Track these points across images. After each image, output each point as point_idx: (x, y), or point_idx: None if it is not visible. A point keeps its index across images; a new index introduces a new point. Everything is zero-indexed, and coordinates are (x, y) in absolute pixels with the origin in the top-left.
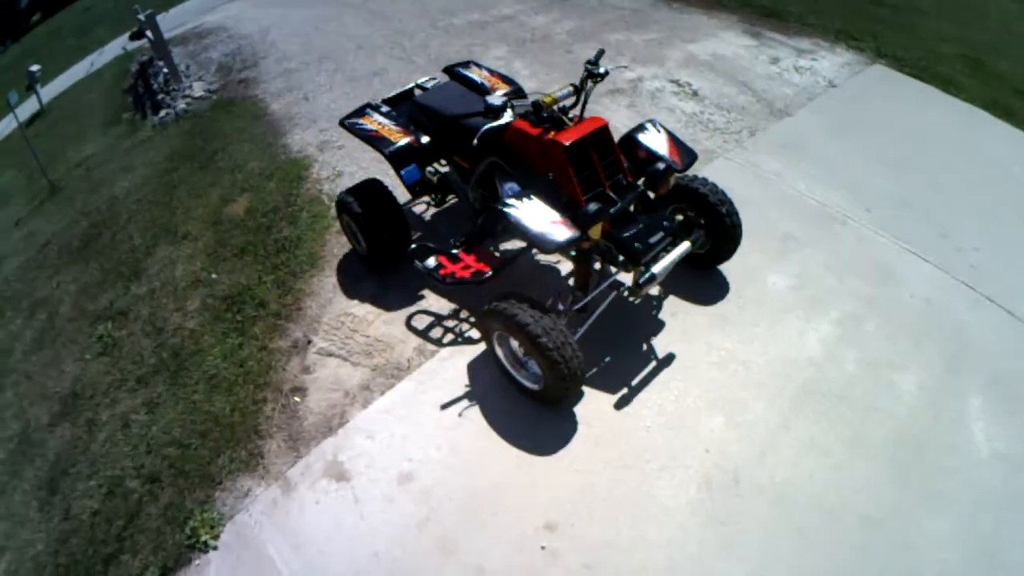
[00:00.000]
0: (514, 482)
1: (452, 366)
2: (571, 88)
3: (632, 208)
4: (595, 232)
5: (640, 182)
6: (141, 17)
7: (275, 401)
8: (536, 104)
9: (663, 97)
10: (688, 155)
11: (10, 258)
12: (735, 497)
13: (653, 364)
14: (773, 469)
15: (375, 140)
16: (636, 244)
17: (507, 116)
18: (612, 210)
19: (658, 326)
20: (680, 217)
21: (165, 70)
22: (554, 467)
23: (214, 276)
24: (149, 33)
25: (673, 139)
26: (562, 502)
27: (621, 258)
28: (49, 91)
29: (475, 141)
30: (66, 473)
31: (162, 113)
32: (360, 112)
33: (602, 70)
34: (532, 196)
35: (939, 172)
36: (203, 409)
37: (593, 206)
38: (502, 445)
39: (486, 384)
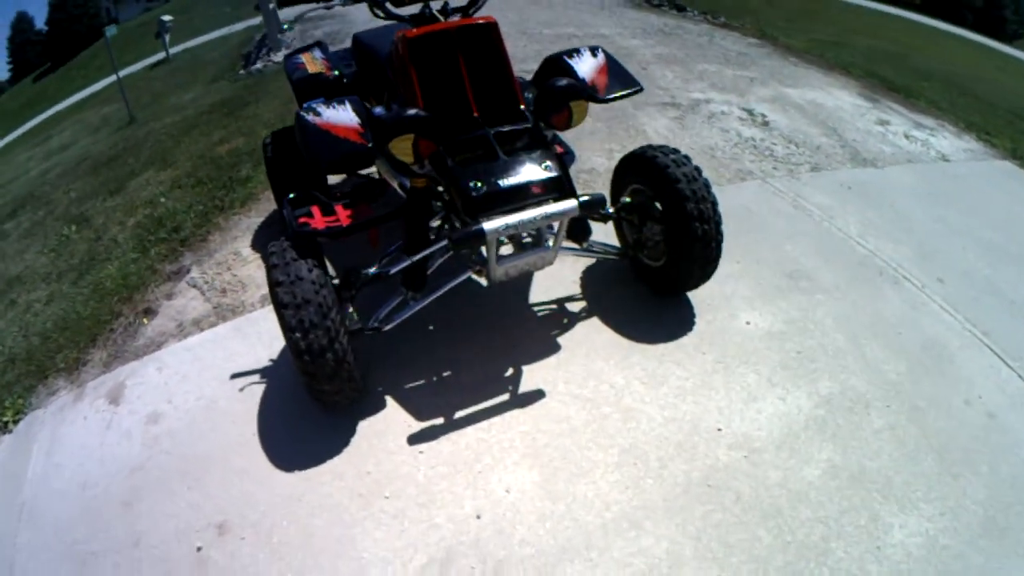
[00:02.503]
0: (226, 463)
1: (274, 318)
2: None
3: (516, 147)
4: (400, 148)
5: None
6: None
7: (127, 317)
8: None
9: (723, 120)
10: (622, 85)
11: (59, 167)
12: None
13: (492, 373)
14: None
15: (295, 71)
16: (474, 183)
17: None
18: (472, 134)
19: (535, 328)
20: (628, 199)
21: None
22: (278, 463)
23: (163, 199)
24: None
25: (611, 66)
26: (255, 506)
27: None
28: (184, 45)
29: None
30: None
31: (240, 72)
32: (307, 48)
33: None
34: (347, 103)
35: None
36: (76, 309)
37: (410, 110)
38: (248, 419)
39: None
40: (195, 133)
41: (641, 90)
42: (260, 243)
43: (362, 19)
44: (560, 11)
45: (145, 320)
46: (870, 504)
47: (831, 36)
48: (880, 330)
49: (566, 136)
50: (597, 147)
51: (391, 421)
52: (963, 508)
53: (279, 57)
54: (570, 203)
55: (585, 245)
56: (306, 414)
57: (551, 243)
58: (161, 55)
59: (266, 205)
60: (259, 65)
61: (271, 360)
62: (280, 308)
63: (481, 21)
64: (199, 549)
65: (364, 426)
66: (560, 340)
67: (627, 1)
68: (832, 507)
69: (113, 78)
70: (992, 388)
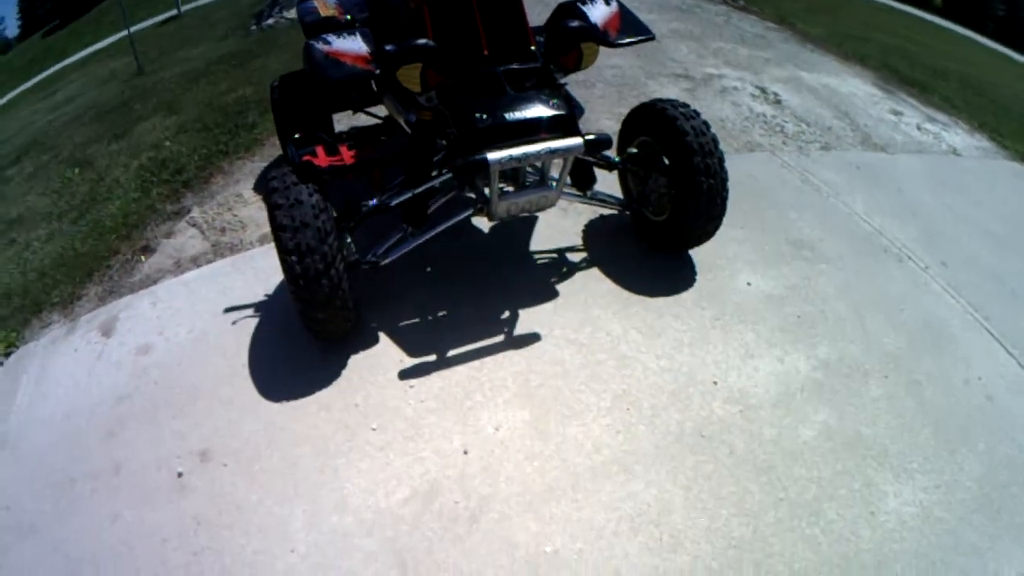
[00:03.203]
0: (214, 393)
1: (272, 255)
2: None
3: (525, 86)
4: (407, 76)
5: (553, 65)
6: None
7: (124, 254)
8: None
9: (735, 95)
10: (634, 32)
11: (65, 116)
12: (443, 542)
13: (487, 314)
14: (549, 525)
15: (307, 15)
16: (480, 114)
17: None
18: (482, 70)
19: (533, 273)
20: (634, 151)
21: None
22: (265, 394)
23: (167, 143)
24: None
25: (624, 15)
26: (239, 435)
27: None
28: (196, 3)
29: None
30: None
31: (252, 27)
32: None
33: None
34: (356, 34)
35: None
36: (74, 247)
37: (419, 40)
38: (239, 351)
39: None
40: (203, 83)
41: (653, 38)
42: (263, 186)
43: None
44: None
45: (143, 258)
46: (864, 470)
47: (851, 29)
48: (882, 304)
49: (576, 95)
50: (606, 111)
51: (383, 356)
52: (958, 483)
53: (292, 14)
54: (576, 140)
55: (588, 193)
56: (296, 347)
57: (555, 184)
58: (173, 12)
59: (271, 151)
60: (271, 21)
61: (266, 295)
62: (278, 231)
63: None
64: (180, 475)
65: (355, 360)
66: (558, 287)
67: None
68: (826, 469)
69: (123, 33)
70: (991, 371)
